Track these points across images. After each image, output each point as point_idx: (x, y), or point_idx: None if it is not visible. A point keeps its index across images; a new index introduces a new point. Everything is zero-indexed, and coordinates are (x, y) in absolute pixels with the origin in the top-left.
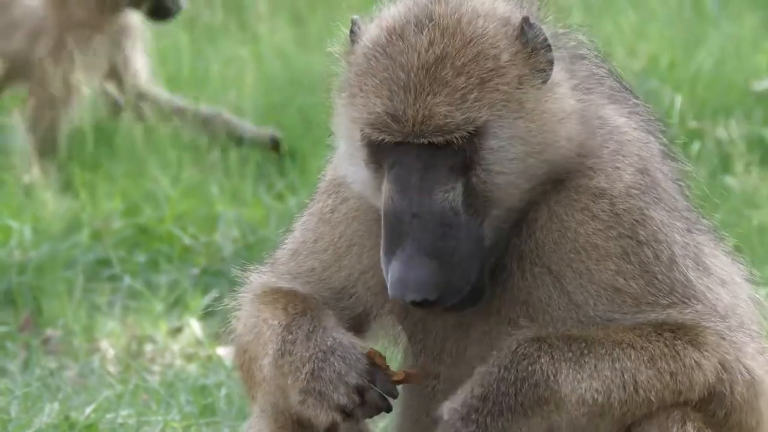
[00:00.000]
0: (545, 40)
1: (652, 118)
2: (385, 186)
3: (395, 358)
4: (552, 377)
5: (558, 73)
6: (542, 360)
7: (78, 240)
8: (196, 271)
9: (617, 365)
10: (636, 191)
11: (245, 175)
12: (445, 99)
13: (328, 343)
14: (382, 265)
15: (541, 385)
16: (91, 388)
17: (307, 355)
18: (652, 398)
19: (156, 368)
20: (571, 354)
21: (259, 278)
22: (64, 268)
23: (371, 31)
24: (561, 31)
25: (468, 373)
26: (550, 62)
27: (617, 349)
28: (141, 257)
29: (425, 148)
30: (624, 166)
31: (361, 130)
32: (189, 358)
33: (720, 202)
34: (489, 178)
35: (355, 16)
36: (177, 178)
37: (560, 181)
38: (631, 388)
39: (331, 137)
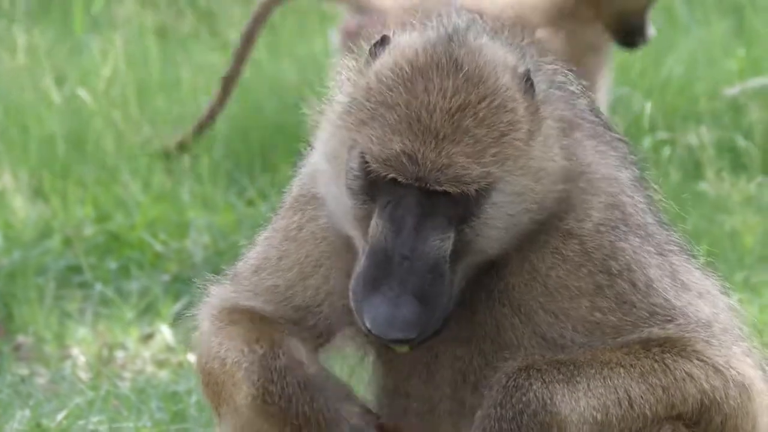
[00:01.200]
0: (542, 93)
1: (627, 150)
2: (377, 222)
3: (364, 371)
4: (549, 401)
5: (550, 128)
6: (534, 387)
7: (49, 246)
8: (167, 277)
9: (609, 383)
10: (604, 227)
11: (216, 182)
12: (466, 149)
13: (331, 396)
14: (355, 295)
15: (540, 411)
16: (63, 394)
17: (308, 412)
18: (647, 413)
19: (127, 375)
20: (561, 376)
21: (219, 293)
22: (36, 274)
23: (389, 58)
24: (547, 67)
25: (438, 393)
26: (546, 117)
27: (606, 369)
28: (112, 264)
29: (429, 195)
30: (593, 204)
31: (365, 162)
32: (160, 364)
33: (692, 208)
34: (482, 232)
35: (386, 34)
36: (148, 184)
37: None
38: (627, 404)
39: (303, 149)
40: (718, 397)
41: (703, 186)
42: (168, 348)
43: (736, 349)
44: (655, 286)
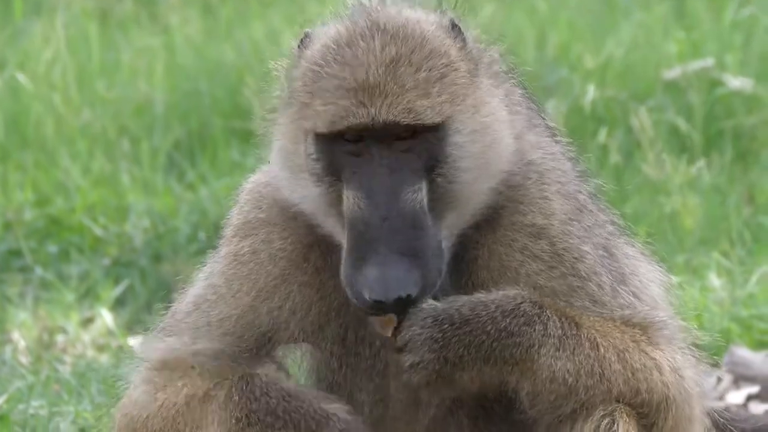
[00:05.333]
0: (472, 38)
1: (563, 139)
2: (348, 195)
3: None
4: (535, 347)
5: (486, 75)
6: (537, 327)
7: None
8: (107, 261)
9: (592, 353)
10: (571, 228)
11: (156, 166)
12: (411, 92)
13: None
14: (346, 276)
15: (524, 346)
16: (3, 379)
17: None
18: (613, 390)
19: (67, 359)
20: (560, 332)
21: (155, 348)
22: None
23: (315, 45)
24: (479, 45)
25: (394, 386)
26: (480, 60)
27: (598, 337)
28: (52, 248)
29: (389, 151)
30: (550, 195)
31: (319, 136)
32: (100, 348)
33: (632, 190)
34: (453, 176)
35: (307, 30)
36: (88, 168)
37: (495, 218)
38: (598, 377)
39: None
40: (677, 400)
41: (644, 168)
42: (108, 332)
43: (683, 356)
44: (618, 288)
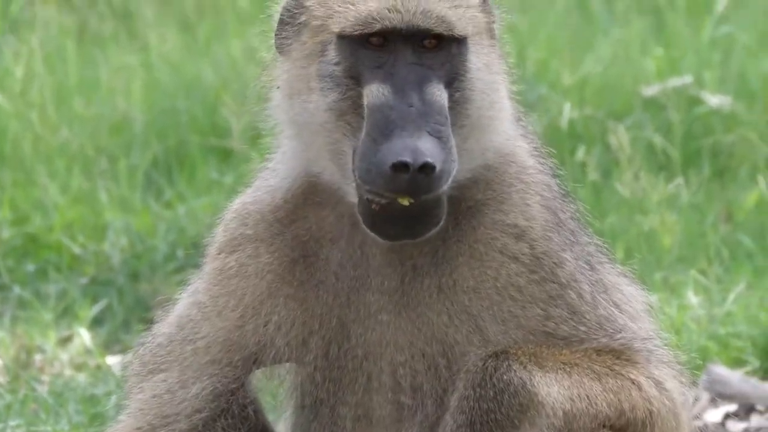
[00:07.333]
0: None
1: (547, 157)
2: (371, 89)
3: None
4: (528, 381)
5: (497, 47)
6: (514, 367)
7: None
8: (85, 280)
9: (572, 378)
10: (551, 234)
11: (134, 184)
12: (443, 2)
13: None
14: (363, 155)
15: (520, 392)
16: None
17: None
18: (601, 413)
19: (45, 378)
20: (534, 362)
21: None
22: None
23: None
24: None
25: (377, 398)
26: (496, 21)
27: (566, 366)
28: (30, 266)
29: (413, 57)
30: (532, 204)
31: (344, 38)
32: (78, 367)
33: (610, 208)
34: (469, 95)
35: None
36: (65, 186)
37: (477, 216)
38: (587, 401)
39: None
40: (662, 413)
41: (621, 186)
42: (86, 351)
43: (666, 369)
44: (598, 298)
